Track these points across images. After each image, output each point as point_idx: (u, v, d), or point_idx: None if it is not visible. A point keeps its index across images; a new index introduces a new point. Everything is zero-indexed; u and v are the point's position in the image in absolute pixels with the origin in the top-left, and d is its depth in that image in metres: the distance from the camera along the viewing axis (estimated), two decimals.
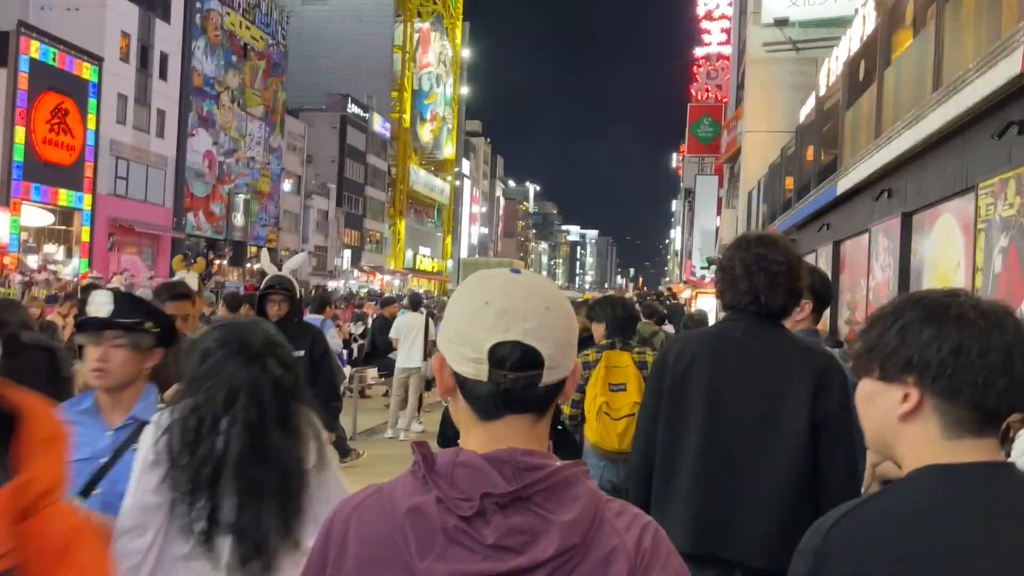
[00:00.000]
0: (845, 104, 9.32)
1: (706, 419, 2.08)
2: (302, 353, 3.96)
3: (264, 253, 5.55)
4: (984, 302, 1.10)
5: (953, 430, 1.07)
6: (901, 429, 1.10)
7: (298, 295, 4.54)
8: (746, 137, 21.87)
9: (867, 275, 7.79)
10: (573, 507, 0.95)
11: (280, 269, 4.90)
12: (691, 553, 1.90)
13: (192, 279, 4.82)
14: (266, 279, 4.56)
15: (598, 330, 4.23)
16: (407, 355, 8.86)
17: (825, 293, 2.58)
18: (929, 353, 1.06)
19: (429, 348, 8.63)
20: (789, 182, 14.91)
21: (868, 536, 1.03)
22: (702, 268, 28.08)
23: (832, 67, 14.27)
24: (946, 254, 5.64)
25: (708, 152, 28.93)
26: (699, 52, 31.64)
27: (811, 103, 16.63)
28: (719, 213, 28.51)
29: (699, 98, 31.45)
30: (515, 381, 0.98)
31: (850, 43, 9.92)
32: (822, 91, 15.12)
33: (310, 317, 8.14)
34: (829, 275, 9.78)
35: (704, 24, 31.08)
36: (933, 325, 1.07)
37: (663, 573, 0.97)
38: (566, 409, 4.17)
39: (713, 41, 30.85)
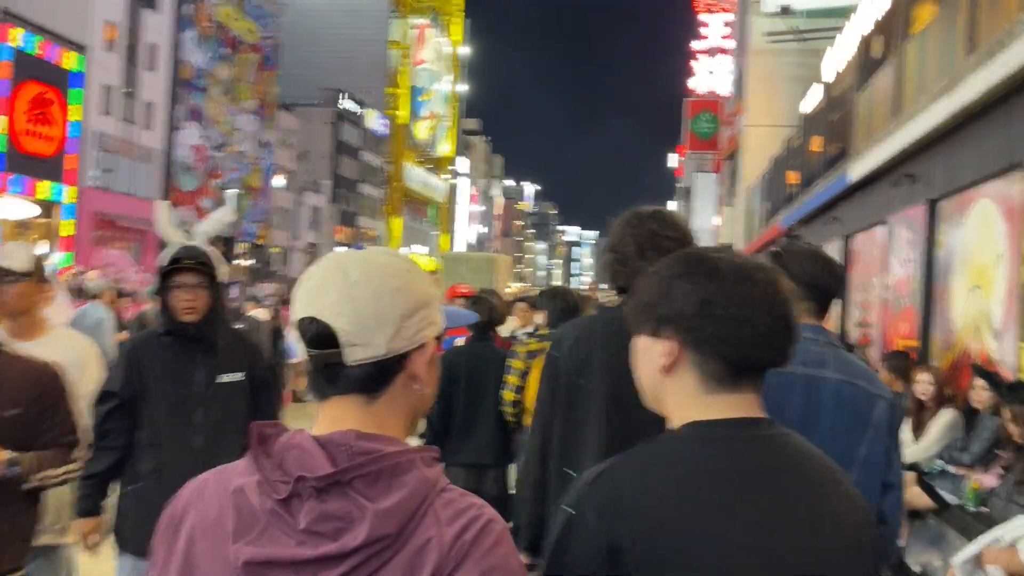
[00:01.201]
0: (857, 86, 8.60)
1: (606, 409, 2.02)
2: (240, 377, 2.89)
3: (161, 208, 3.12)
4: (744, 258, 1.10)
5: (708, 384, 1.08)
6: (665, 383, 1.13)
7: (221, 277, 2.86)
8: (746, 131, 21.21)
9: (883, 271, 7.04)
10: (394, 495, 0.91)
11: (194, 235, 3.00)
12: None
13: (21, 252, 2.27)
14: (168, 250, 2.85)
15: (540, 320, 4.20)
16: None
17: (827, 282, 2.10)
18: (682, 306, 1.08)
19: None
20: (793, 176, 14.23)
21: (618, 502, 1.03)
22: None
23: (838, 55, 13.60)
24: (984, 245, 4.91)
25: (707, 148, 28.21)
26: (698, 46, 30.91)
27: (816, 93, 15.99)
28: (718, 212, 27.86)
29: (698, 93, 30.73)
30: (315, 359, 0.97)
31: (861, 22, 9.19)
32: (830, 78, 14.50)
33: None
34: None
35: (703, 17, 30.37)
36: (687, 279, 1.10)
37: (479, 564, 0.91)
38: (508, 395, 4.04)
39: (713, 34, 30.14)
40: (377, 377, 0.98)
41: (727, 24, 29.39)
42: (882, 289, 7.06)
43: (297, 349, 10.05)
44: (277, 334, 10.34)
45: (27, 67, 26.73)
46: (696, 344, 1.08)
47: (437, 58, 70.02)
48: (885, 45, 7.85)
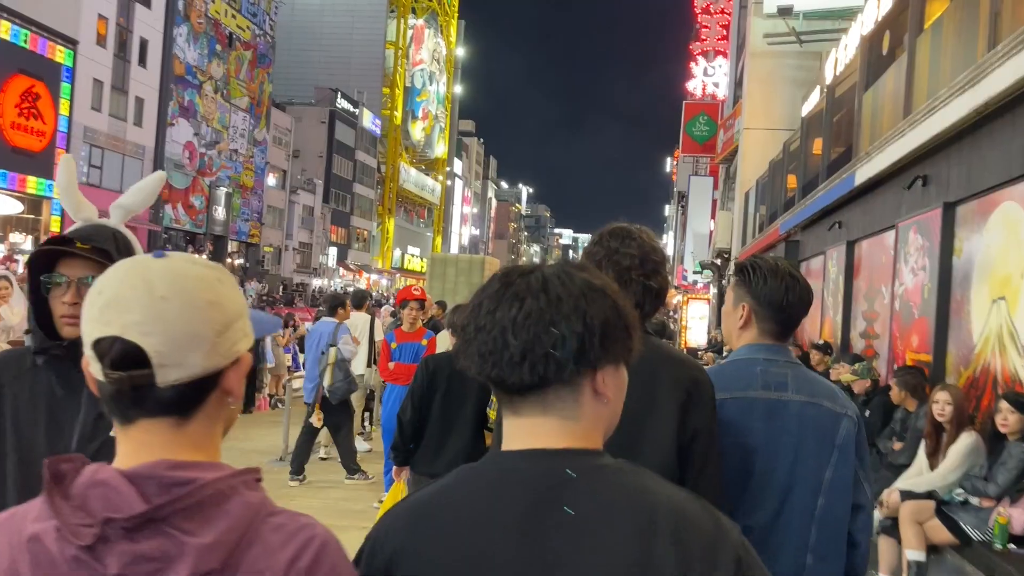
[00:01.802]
0: (863, 85, 8.22)
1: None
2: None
3: (65, 165, 2.03)
4: (542, 275, 1.00)
5: (504, 408, 1.02)
6: None
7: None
8: (744, 134, 20.88)
9: (892, 280, 6.65)
10: (216, 526, 0.84)
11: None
12: None
13: None
14: (72, 228, 1.87)
15: None
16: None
17: (787, 304, 1.96)
18: (462, 324, 1.04)
19: (375, 351, 7.50)
20: (792, 180, 13.87)
21: (381, 537, 1.00)
22: (695, 273, 27.04)
23: (840, 56, 13.27)
24: (1008, 252, 4.52)
25: (703, 152, 27.84)
26: (696, 48, 30.54)
27: (815, 97, 15.66)
28: (713, 216, 27.50)
29: (695, 95, 30.36)
30: (119, 381, 0.87)
31: (868, 18, 8.82)
32: (829, 81, 14.16)
33: (324, 322, 7.10)
34: (841, 280, 8.74)
35: (702, 19, 30.02)
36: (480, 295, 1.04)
37: None
38: (491, 413, 3.88)
39: (711, 36, 29.78)
40: (191, 397, 0.90)
41: (724, 27, 29.06)
42: (891, 298, 6.67)
43: (271, 356, 9.55)
44: None
45: (15, 60, 26.28)
46: (465, 366, 1.03)
47: (433, 59, 69.70)
48: (894, 41, 7.49)
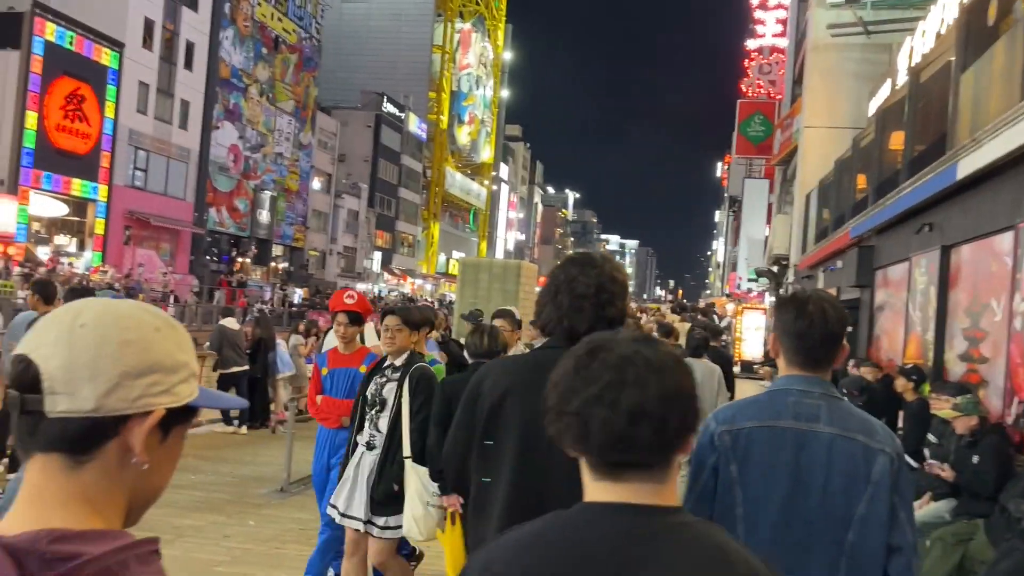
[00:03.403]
0: (961, 65, 7.13)
1: (519, 453, 2.00)
2: None
3: None
4: (600, 343, 1.09)
5: (592, 472, 1.09)
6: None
7: None
8: (804, 133, 19.67)
9: (1010, 293, 5.55)
10: None
11: None
12: None
13: None
14: None
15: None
16: None
17: (792, 326, 1.94)
18: (548, 401, 1.11)
19: None
20: (861, 180, 12.70)
21: (489, 562, 1.07)
22: (749, 280, 25.77)
23: (916, 45, 12.09)
24: None
25: (759, 154, 26.58)
26: (751, 45, 29.23)
27: (886, 90, 14.47)
28: (769, 221, 26.22)
29: (750, 95, 29.05)
30: (13, 401, 0.83)
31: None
32: (901, 78, 13.00)
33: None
34: (933, 292, 7.62)
35: (758, 14, 28.70)
36: (561, 371, 1.11)
37: None
38: None
39: (767, 32, 28.45)
40: (81, 437, 0.83)
41: (781, 22, 27.73)
42: (1007, 316, 5.58)
43: (289, 362, 8.61)
44: (261, 346, 9.18)
45: (61, 62, 26.29)
46: (558, 440, 1.09)
47: (480, 63, 69.24)
48: (1002, 10, 6.41)
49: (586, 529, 1.04)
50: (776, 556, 1.76)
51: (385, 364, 4.08)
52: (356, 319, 4.54)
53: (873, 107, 15.40)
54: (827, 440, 1.86)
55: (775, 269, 22.07)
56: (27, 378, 0.83)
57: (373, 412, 4.00)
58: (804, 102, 19.85)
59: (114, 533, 0.82)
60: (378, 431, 3.95)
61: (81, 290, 5.46)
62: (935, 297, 7.41)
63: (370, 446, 3.96)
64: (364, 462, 3.92)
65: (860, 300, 11.34)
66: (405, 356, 4.02)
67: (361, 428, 4.01)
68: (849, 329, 2.65)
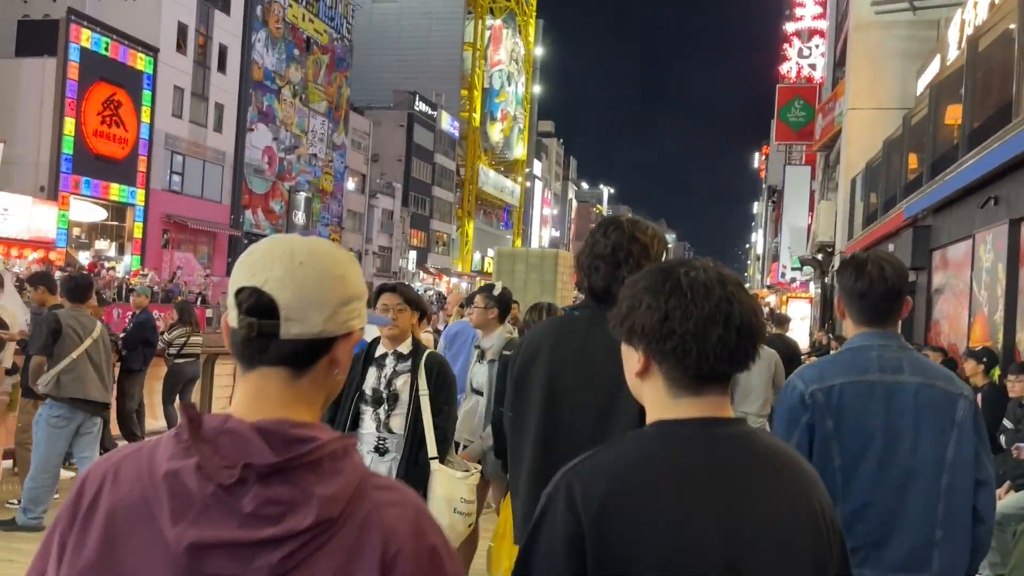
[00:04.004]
0: None
1: (545, 408, 2.10)
2: None
3: None
4: (705, 271, 1.17)
5: (673, 389, 1.18)
6: (641, 385, 1.22)
7: None
8: (848, 116, 19.03)
9: None
10: (334, 481, 0.96)
11: None
12: None
13: None
14: None
15: None
16: None
17: (851, 285, 2.09)
18: (646, 320, 1.17)
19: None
20: (913, 159, 12.15)
21: (580, 491, 1.12)
22: (793, 269, 25.10)
23: (968, 17, 11.51)
24: None
25: (799, 139, 25.84)
26: (790, 28, 28.46)
27: (935, 67, 13.86)
28: (812, 208, 25.48)
29: (790, 79, 28.30)
30: (249, 327, 0.98)
31: None
32: (952, 53, 12.40)
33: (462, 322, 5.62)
34: (1000, 269, 7.13)
35: None
36: (651, 294, 1.18)
37: (420, 547, 0.97)
38: None
39: (806, 15, 27.67)
40: (305, 354, 1.01)
41: (820, 3, 26.95)
42: None
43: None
44: None
45: (97, 68, 26.56)
46: (660, 356, 1.17)
47: (511, 59, 68.92)
48: None
49: (691, 445, 1.14)
50: (876, 502, 1.94)
51: (380, 352, 3.45)
52: None
53: (922, 84, 14.78)
54: (913, 389, 1.99)
55: (820, 257, 21.42)
56: (263, 307, 0.98)
57: (380, 410, 3.40)
58: (847, 84, 19.19)
59: (328, 427, 1.01)
60: (390, 432, 3.39)
61: (80, 278, 5.42)
62: (1004, 275, 6.91)
63: (380, 450, 3.40)
64: (375, 470, 3.40)
65: (916, 283, 10.81)
66: (410, 342, 3.42)
67: (355, 428, 3.41)
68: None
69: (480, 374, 4.43)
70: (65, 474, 5.42)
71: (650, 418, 1.19)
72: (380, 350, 3.45)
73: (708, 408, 1.16)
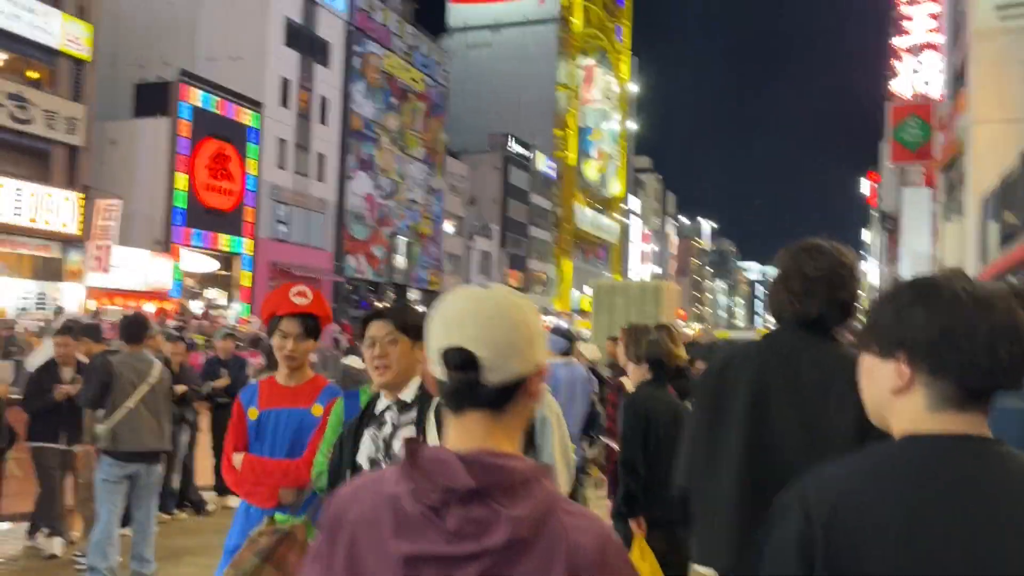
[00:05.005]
0: None
1: (748, 435, 2.06)
2: None
3: None
4: (979, 284, 1.15)
5: (937, 404, 1.14)
6: (893, 401, 1.18)
7: None
8: (973, 131, 17.65)
9: None
10: (526, 504, 1.06)
11: None
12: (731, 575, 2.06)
13: None
14: None
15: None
16: None
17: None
18: (920, 333, 1.14)
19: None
20: None
21: (817, 496, 1.13)
22: None
23: None
24: None
25: (917, 159, 24.23)
26: (899, 43, 26.96)
27: None
28: (934, 232, 23.74)
29: (902, 97, 26.71)
30: (459, 380, 1.12)
31: None
32: None
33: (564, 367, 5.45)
34: None
35: (905, 10, 26.47)
36: (924, 306, 1.14)
37: (602, 571, 1.06)
38: None
39: (917, 29, 26.16)
40: (506, 395, 1.15)
41: (933, 16, 25.43)
42: None
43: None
44: None
45: (207, 125, 27.77)
46: (933, 370, 1.13)
47: (605, 97, 68.82)
48: None
49: (944, 460, 1.11)
50: None
51: (378, 407, 2.49)
52: (311, 328, 2.98)
53: None
54: None
55: None
56: (466, 362, 1.12)
57: None
58: (970, 96, 17.83)
59: (523, 457, 1.12)
60: None
61: (133, 318, 5.14)
62: None
63: None
64: None
65: None
66: (414, 387, 2.44)
67: None
68: None
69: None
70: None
71: (898, 434, 1.17)
72: (381, 403, 2.51)
73: (970, 425, 1.14)
